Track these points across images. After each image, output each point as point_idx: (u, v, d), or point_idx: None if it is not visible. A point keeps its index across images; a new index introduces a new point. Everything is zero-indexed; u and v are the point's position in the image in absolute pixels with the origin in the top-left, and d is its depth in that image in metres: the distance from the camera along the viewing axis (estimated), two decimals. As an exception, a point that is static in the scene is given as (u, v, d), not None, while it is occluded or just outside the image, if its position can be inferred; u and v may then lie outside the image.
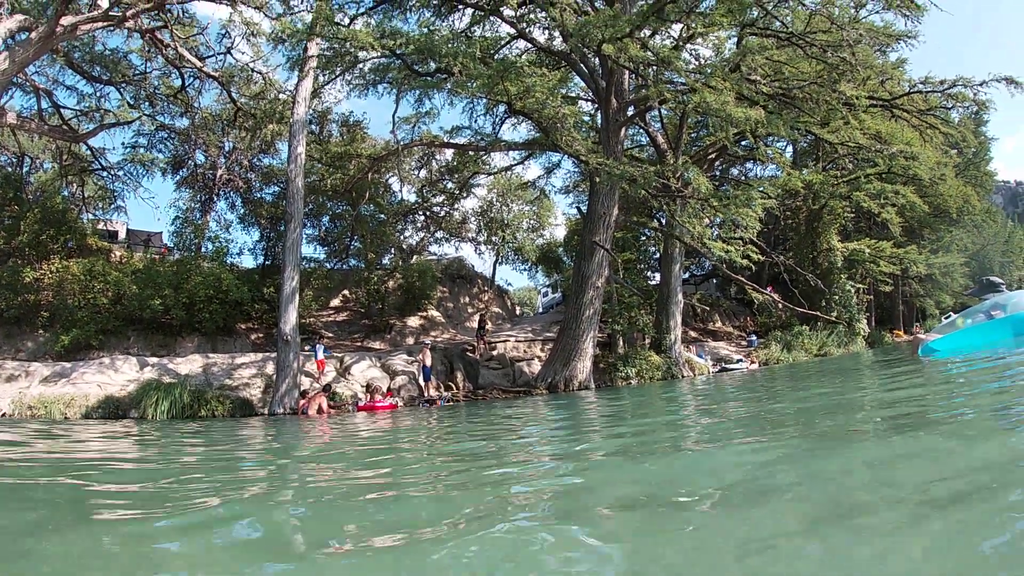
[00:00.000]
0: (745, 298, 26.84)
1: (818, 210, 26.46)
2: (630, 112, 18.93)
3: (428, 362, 16.53)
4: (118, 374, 14.87)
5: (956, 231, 37.89)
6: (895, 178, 23.31)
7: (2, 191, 19.93)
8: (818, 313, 22.40)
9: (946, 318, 13.71)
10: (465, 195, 25.56)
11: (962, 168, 35.79)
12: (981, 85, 17.83)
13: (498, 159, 23.20)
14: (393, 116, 19.55)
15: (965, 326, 12.12)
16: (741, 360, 20.81)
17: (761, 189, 20.90)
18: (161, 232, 28.25)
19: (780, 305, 22.27)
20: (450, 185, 23.80)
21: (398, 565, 2.12)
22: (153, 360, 16.09)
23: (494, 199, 28.95)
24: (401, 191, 26.41)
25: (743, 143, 20.65)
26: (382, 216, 24.37)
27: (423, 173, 24.60)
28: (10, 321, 17.70)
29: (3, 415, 12.85)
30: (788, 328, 24.09)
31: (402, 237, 27.21)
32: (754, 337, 24.21)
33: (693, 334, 23.67)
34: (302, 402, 14.46)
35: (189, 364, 16.13)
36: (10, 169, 22.87)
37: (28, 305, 17.77)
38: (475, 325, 24.65)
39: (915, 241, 32.16)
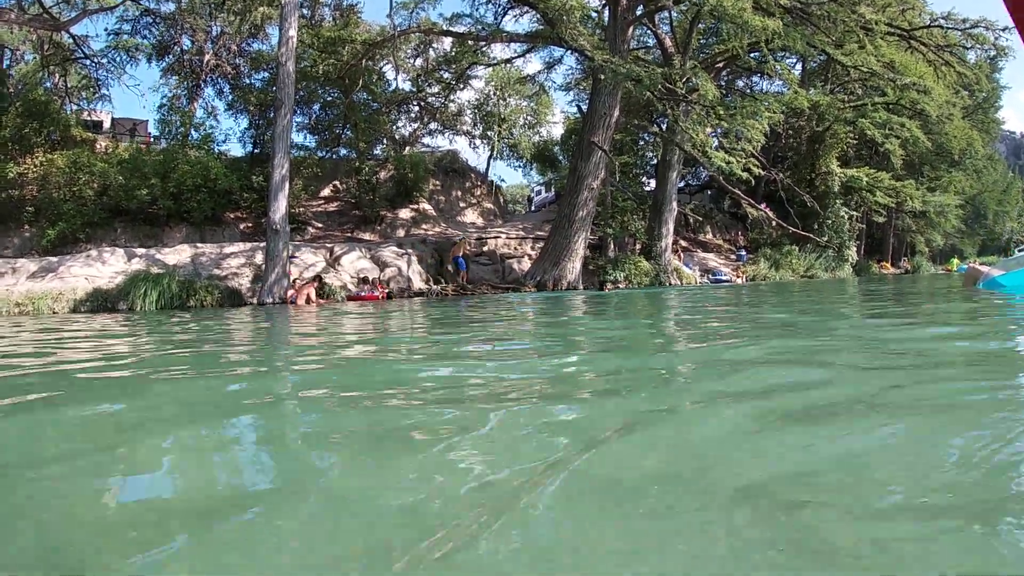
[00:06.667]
0: (738, 212, 26.75)
1: (821, 132, 25.99)
2: (639, 11, 18.10)
3: (462, 253, 17.39)
4: (106, 266, 14.75)
5: (956, 173, 37.49)
6: (902, 110, 22.88)
7: (-17, 86, 19.15)
8: (810, 235, 22.43)
9: (1020, 250, 12.54)
10: (462, 87, 24.61)
11: (970, 111, 35.01)
12: (1004, 30, 17.46)
13: (498, 51, 22.30)
14: (390, 0, 18.57)
15: None
16: (726, 273, 21.03)
17: (767, 104, 20.43)
18: (147, 121, 27.37)
19: (774, 223, 22.26)
20: (447, 75, 22.85)
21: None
22: (141, 251, 15.90)
23: (491, 92, 28.10)
24: (396, 80, 25.46)
25: (753, 55, 20.08)
26: (375, 105, 23.59)
27: (419, 62, 23.60)
28: (-7, 219, 17.39)
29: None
30: (778, 247, 24.18)
31: (395, 127, 26.49)
32: (744, 252, 24.32)
33: (683, 243, 23.67)
34: (291, 292, 14.46)
35: (177, 254, 15.98)
36: (-10, 63, 21.87)
37: (12, 201, 17.45)
38: (466, 220, 24.44)
39: (914, 177, 31.79)
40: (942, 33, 19.49)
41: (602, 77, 15.99)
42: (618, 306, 8.57)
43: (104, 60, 23.08)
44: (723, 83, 24.39)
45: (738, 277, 20.77)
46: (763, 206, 23.96)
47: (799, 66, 27.71)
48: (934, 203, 34.12)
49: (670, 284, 18.44)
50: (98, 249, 15.83)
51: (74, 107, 23.96)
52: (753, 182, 19.30)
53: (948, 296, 8.41)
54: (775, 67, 20.61)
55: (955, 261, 39.26)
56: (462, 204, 26.37)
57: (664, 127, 21.13)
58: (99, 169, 17.73)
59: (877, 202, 27.14)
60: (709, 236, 26.45)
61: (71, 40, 21.90)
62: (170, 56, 24.56)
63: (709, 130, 19.02)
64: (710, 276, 20.33)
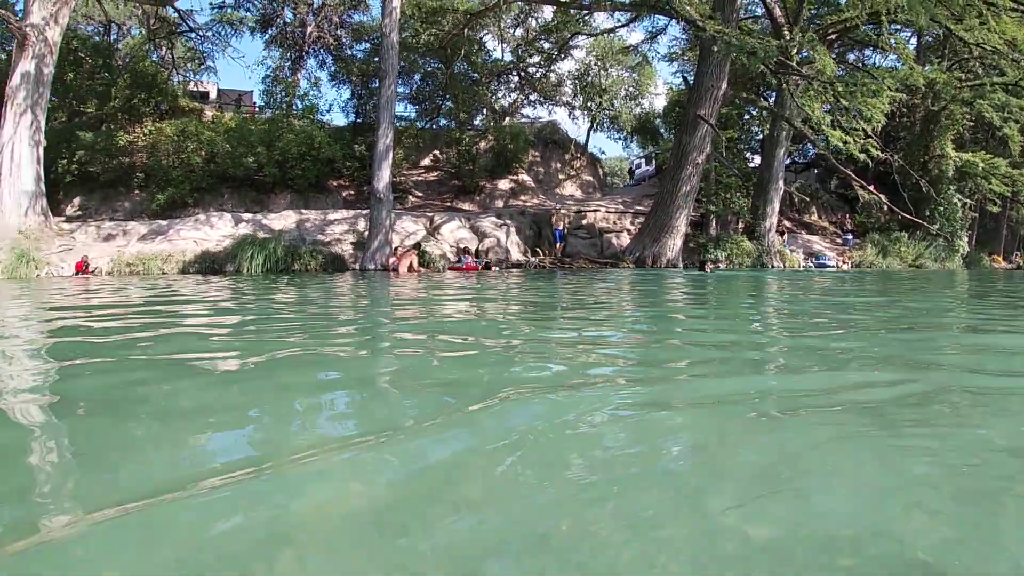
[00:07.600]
0: (847, 194, 25.35)
1: (937, 112, 24.16)
2: (752, -23, 17.28)
3: (561, 226, 17.58)
4: (213, 230, 15.41)
5: (1075, 166, 34.10)
6: (1022, 93, 21.05)
7: (92, 60, 20.20)
8: (922, 221, 21.01)
9: None
10: (562, 57, 24.51)
11: (1092, 101, 31.70)
12: None
13: (601, 20, 21.85)
14: (493, -31, 18.46)
15: None
16: (831, 258, 20.04)
17: (883, 81, 19.22)
18: (251, 91, 28.46)
19: (884, 207, 20.92)
20: (547, 46, 22.67)
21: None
22: (247, 216, 16.49)
23: (592, 63, 27.62)
24: (501, 48, 25.57)
25: (866, 27, 18.93)
26: (475, 75, 23.73)
27: (519, 32, 23.51)
28: (105, 184, 18.45)
29: (100, 271, 13.10)
30: (886, 232, 22.80)
31: (495, 98, 26.53)
32: (850, 236, 23.02)
33: (788, 224, 22.68)
34: (393, 259, 14.77)
35: (283, 220, 16.53)
36: (98, 38, 23.08)
37: (123, 167, 18.41)
38: (564, 192, 24.34)
39: (1031, 166, 29.15)
40: (1070, 12, 17.66)
41: (715, 49, 15.39)
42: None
43: (209, 33, 24.00)
44: (834, 56, 23.01)
45: (844, 262, 19.75)
46: (871, 188, 22.71)
47: (913, 40, 25.84)
48: (1052, 197, 31.28)
49: (772, 267, 17.76)
50: (206, 213, 16.62)
51: (181, 78, 25.13)
52: (870, 163, 18.27)
53: None
54: (889, 41, 19.48)
55: None
56: (561, 176, 26.23)
57: (773, 101, 20.20)
58: (206, 137, 18.53)
59: (992, 190, 25.12)
60: (814, 218, 25.17)
61: (176, 14, 22.86)
62: (273, 28, 25.23)
63: (826, 105, 18.09)
64: (814, 260, 19.41)
